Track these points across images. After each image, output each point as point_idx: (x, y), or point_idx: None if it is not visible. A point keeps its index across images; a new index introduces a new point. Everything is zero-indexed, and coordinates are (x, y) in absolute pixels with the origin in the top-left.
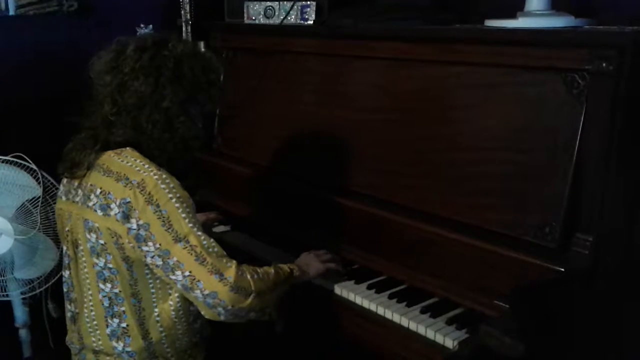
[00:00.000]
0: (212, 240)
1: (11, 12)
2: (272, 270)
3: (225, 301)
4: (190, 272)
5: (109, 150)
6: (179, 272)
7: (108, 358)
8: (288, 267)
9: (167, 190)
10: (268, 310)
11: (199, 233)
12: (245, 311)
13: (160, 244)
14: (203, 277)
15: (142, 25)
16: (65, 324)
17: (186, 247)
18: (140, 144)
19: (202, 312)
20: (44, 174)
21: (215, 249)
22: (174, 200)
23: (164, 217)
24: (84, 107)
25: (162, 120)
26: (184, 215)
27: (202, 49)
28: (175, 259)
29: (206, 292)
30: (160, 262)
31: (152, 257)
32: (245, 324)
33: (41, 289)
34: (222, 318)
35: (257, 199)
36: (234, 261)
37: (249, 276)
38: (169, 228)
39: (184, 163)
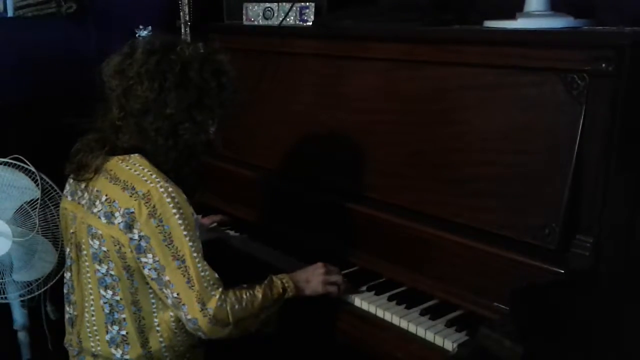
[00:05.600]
0: (205, 262)
1: (9, 14)
2: (260, 294)
3: (203, 329)
4: (178, 294)
5: (117, 155)
6: (168, 291)
7: None
8: (282, 287)
9: (171, 205)
10: (252, 329)
11: (195, 254)
12: (224, 337)
13: (158, 258)
14: (188, 302)
15: (140, 27)
16: (64, 326)
17: (181, 267)
18: (145, 150)
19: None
20: (43, 176)
21: (206, 273)
22: (177, 216)
23: (165, 232)
24: (95, 108)
25: (166, 126)
26: (185, 232)
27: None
28: (167, 277)
29: (189, 316)
30: (155, 276)
31: (149, 269)
32: None
33: (40, 292)
34: (203, 338)
35: (257, 201)
36: (220, 290)
37: (228, 307)
38: (169, 244)
39: (190, 169)
